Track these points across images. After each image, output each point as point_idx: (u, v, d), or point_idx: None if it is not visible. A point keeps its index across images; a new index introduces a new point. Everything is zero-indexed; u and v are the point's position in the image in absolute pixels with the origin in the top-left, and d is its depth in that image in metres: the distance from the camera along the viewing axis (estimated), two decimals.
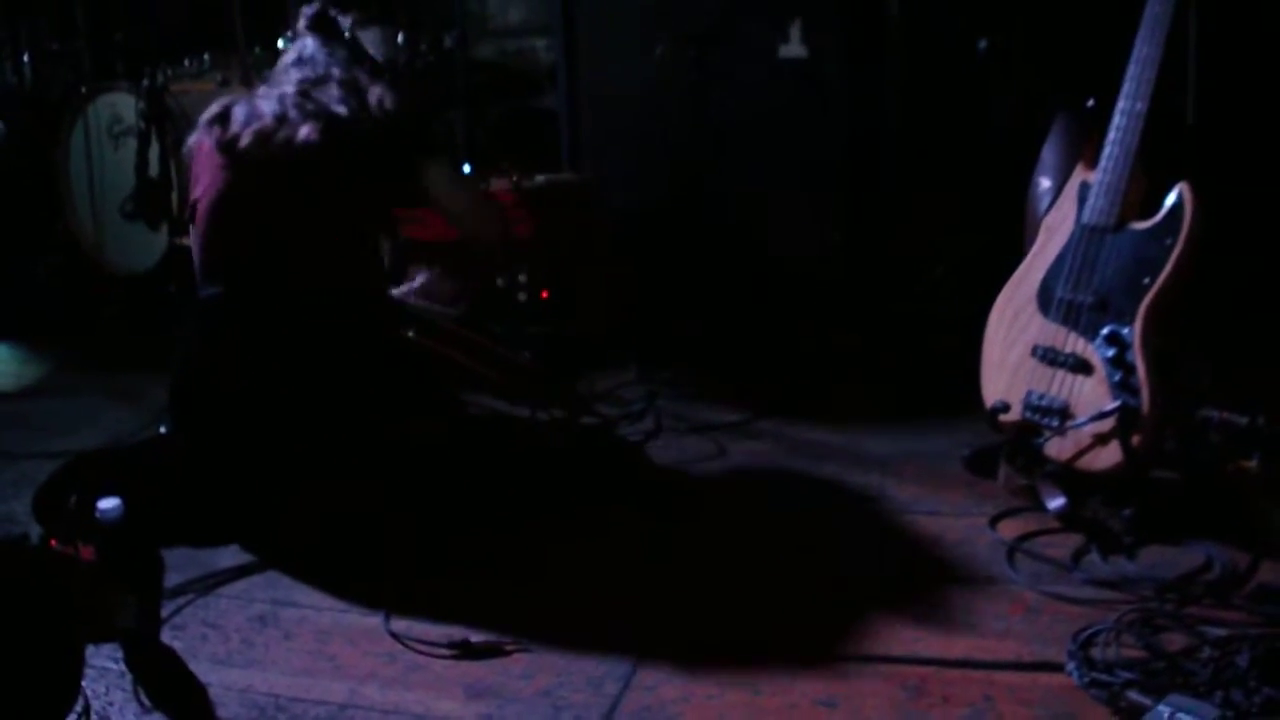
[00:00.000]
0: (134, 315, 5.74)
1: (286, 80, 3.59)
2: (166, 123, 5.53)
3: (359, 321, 3.57)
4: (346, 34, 3.69)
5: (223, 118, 3.56)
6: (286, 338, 3.49)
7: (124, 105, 5.87)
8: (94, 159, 5.94)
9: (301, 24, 3.71)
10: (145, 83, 5.63)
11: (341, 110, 3.50)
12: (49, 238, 6.15)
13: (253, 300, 3.51)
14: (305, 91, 3.53)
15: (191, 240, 3.62)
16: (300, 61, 3.63)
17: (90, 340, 5.61)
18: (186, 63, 6.11)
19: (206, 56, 6.13)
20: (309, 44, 3.65)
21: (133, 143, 5.70)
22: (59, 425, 4.49)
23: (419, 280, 4.02)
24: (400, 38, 6.09)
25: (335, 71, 3.58)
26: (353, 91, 3.55)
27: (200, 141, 3.61)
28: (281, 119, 3.48)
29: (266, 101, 3.54)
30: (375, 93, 3.55)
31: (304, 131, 3.44)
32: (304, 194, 3.48)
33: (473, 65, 6.08)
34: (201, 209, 3.56)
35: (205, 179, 3.57)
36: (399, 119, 3.56)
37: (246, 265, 3.52)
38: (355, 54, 3.67)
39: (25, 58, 6.43)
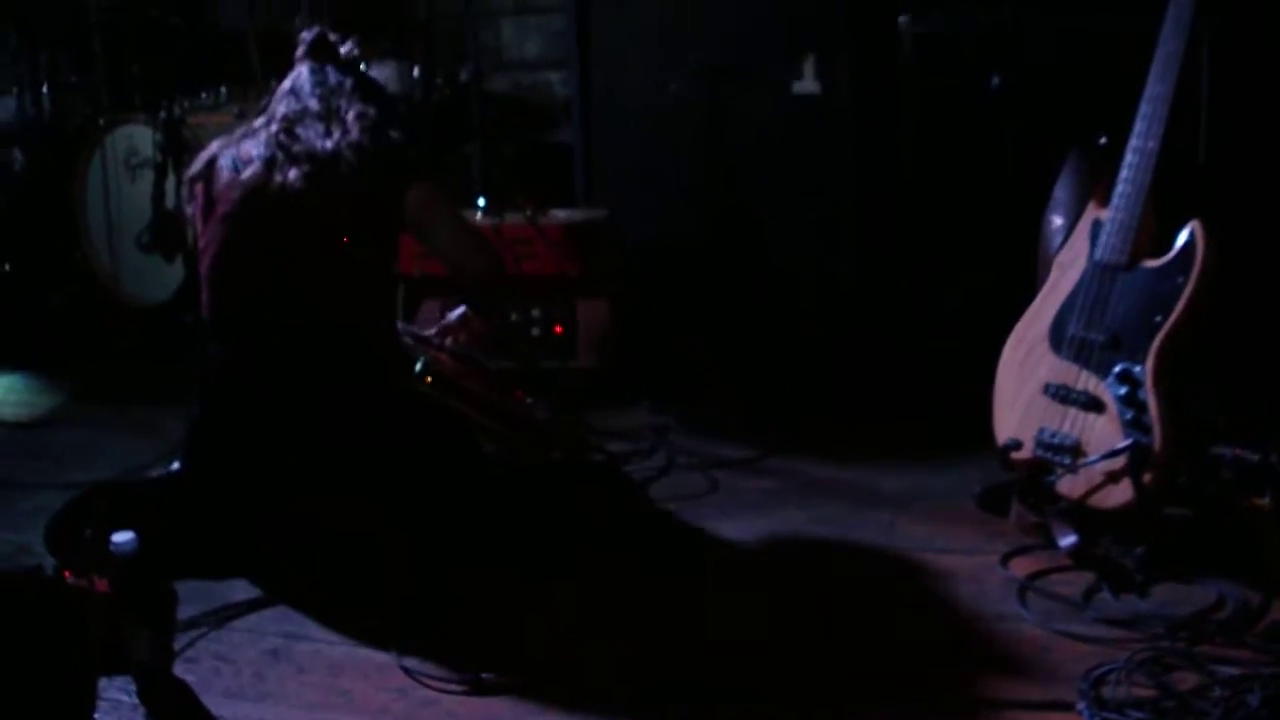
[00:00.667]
0: (150, 346, 5.75)
1: (275, 113, 3.57)
2: (183, 155, 5.54)
3: (369, 367, 3.56)
4: (348, 56, 3.65)
5: (208, 174, 3.57)
6: (296, 392, 3.49)
7: (141, 137, 5.91)
8: (111, 190, 5.97)
9: (299, 51, 3.68)
10: (162, 115, 5.67)
11: (326, 145, 3.47)
12: (66, 268, 6.17)
13: (260, 357, 3.52)
14: (289, 129, 3.51)
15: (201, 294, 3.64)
16: (290, 92, 3.60)
17: (106, 371, 5.62)
18: (203, 95, 6.14)
19: (223, 89, 6.16)
20: (302, 72, 3.63)
21: (149, 174, 5.74)
22: (74, 456, 4.50)
23: (450, 317, 3.97)
24: (415, 72, 6.13)
25: (313, 104, 3.54)
26: (334, 121, 3.52)
27: (193, 195, 3.63)
28: (270, 163, 3.47)
29: (253, 143, 3.54)
30: (351, 115, 3.52)
31: (291, 176, 3.44)
32: (301, 241, 3.48)
33: (488, 99, 6.09)
34: (204, 267, 3.58)
35: (205, 234, 3.58)
36: (378, 139, 3.53)
37: (253, 320, 3.53)
38: (354, 76, 3.65)
39: (44, 89, 6.46)
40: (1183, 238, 3.27)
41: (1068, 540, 3.34)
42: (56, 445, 4.70)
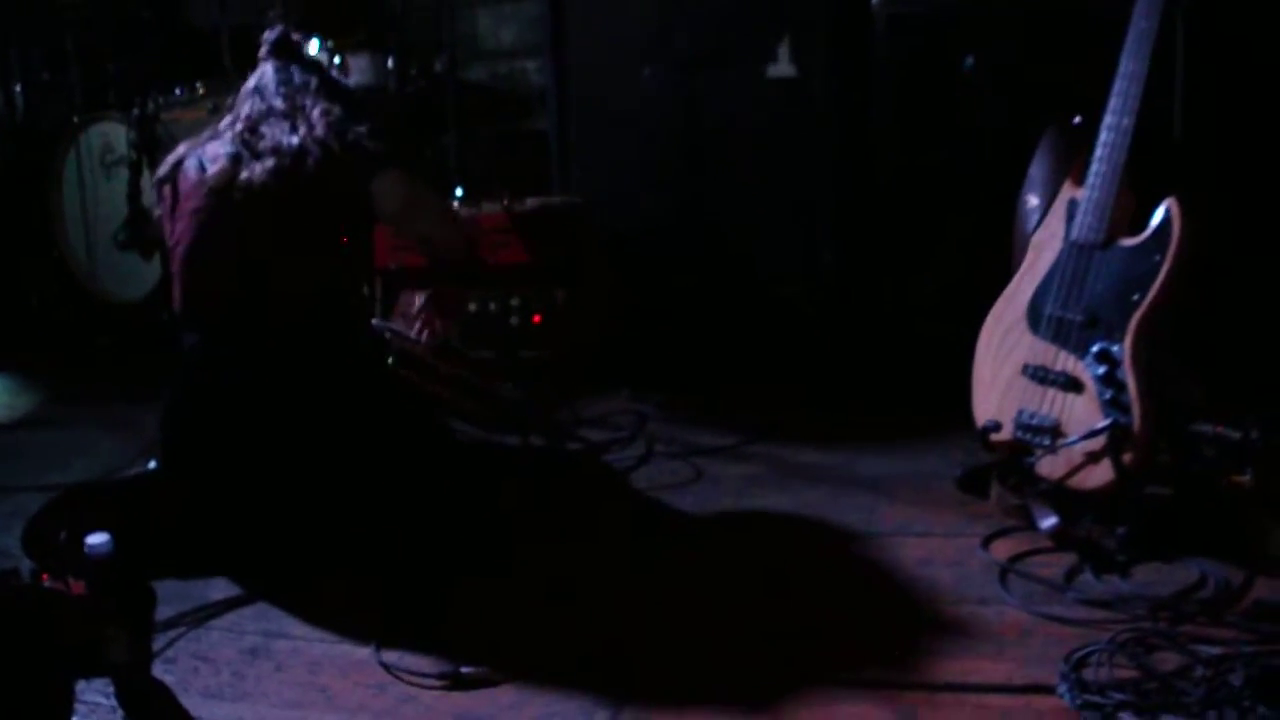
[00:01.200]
0: (127, 344, 5.74)
1: (240, 113, 3.61)
2: (158, 152, 5.52)
3: (341, 355, 3.57)
4: (318, 55, 3.68)
5: (174, 176, 3.60)
6: (268, 380, 3.49)
7: (115, 134, 5.90)
8: (86, 188, 5.96)
9: (262, 50, 3.71)
10: (136, 112, 5.64)
11: (291, 140, 3.50)
12: (42, 267, 6.15)
13: (232, 345, 3.52)
14: (254, 126, 3.54)
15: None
16: (254, 91, 3.64)
17: (84, 370, 5.61)
18: (177, 91, 6.12)
19: (198, 85, 6.13)
20: (266, 71, 3.67)
21: (124, 172, 5.71)
22: (53, 457, 4.48)
23: (419, 304, 3.99)
24: (390, 63, 6.10)
25: (278, 103, 3.57)
26: (299, 118, 3.54)
27: (161, 198, 3.65)
28: (237, 159, 3.50)
29: (219, 143, 3.57)
30: (316, 112, 3.55)
31: (257, 170, 3.45)
32: (269, 233, 3.49)
33: (464, 88, 6.08)
34: (175, 262, 3.58)
35: (174, 231, 3.59)
36: (344, 133, 3.54)
37: (224, 311, 3.54)
38: (319, 75, 3.68)
39: (17, 88, 6.43)
40: (1159, 215, 3.25)
41: (1048, 522, 3.33)
42: (35, 445, 4.69)
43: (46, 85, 6.60)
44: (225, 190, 3.48)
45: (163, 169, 3.65)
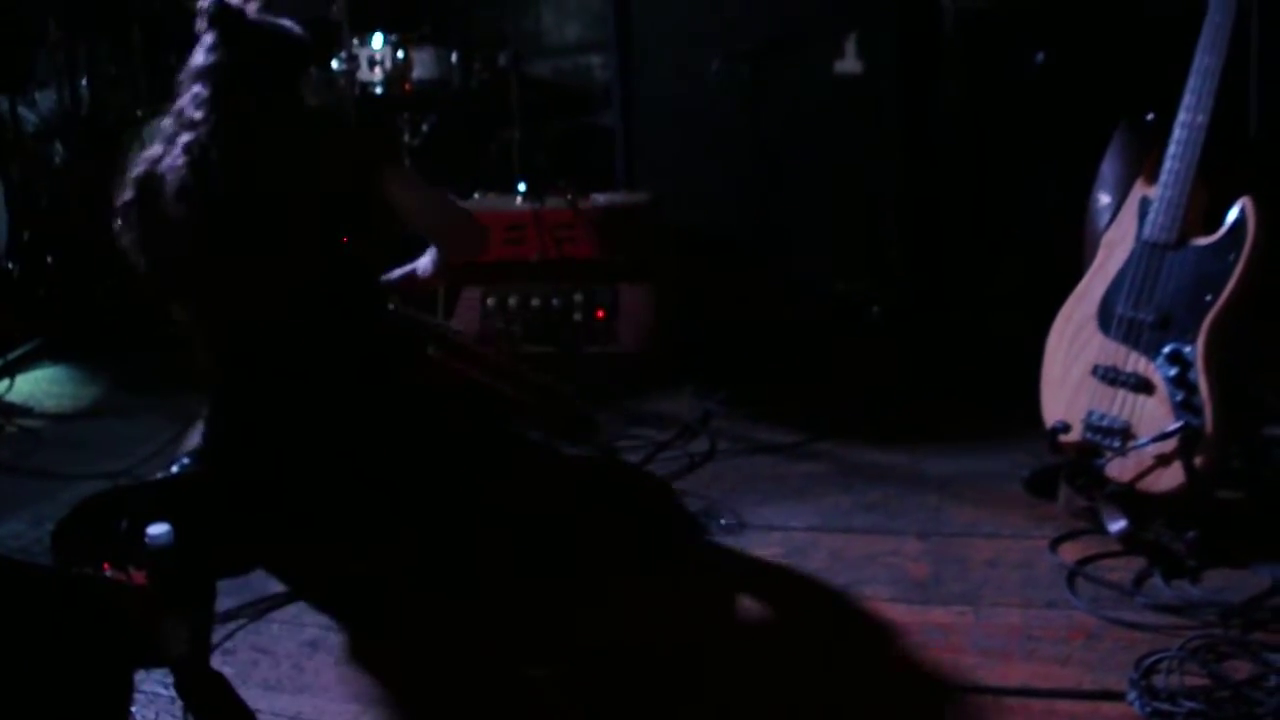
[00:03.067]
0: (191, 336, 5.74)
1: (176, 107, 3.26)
2: None
3: (371, 355, 3.37)
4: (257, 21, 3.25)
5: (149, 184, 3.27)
6: (301, 396, 3.32)
7: None
8: None
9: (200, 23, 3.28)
10: None
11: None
12: (107, 259, 6.16)
13: (258, 362, 3.36)
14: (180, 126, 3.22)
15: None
16: (190, 73, 3.27)
17: (148, 361, 5.62)
18: None
19: None
20: (199, 49, 3.27)
21: None
22: (117, 447, 4.49)
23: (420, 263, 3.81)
24: (454, 57, 6.11)
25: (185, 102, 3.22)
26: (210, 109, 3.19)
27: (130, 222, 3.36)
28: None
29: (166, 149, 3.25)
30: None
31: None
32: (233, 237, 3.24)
33: (527, 84, 6.07)
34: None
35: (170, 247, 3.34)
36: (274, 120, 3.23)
37: (239, 328, 3.36)
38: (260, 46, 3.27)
39: (84, 82, 6.47)
40: (1233, 215, 3.20)
41: (1118, 525, 3.28)
42: (98, 436, 4.70)
43: (112, 79, 6.62)
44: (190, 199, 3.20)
45: (126, 193, 3.32)
